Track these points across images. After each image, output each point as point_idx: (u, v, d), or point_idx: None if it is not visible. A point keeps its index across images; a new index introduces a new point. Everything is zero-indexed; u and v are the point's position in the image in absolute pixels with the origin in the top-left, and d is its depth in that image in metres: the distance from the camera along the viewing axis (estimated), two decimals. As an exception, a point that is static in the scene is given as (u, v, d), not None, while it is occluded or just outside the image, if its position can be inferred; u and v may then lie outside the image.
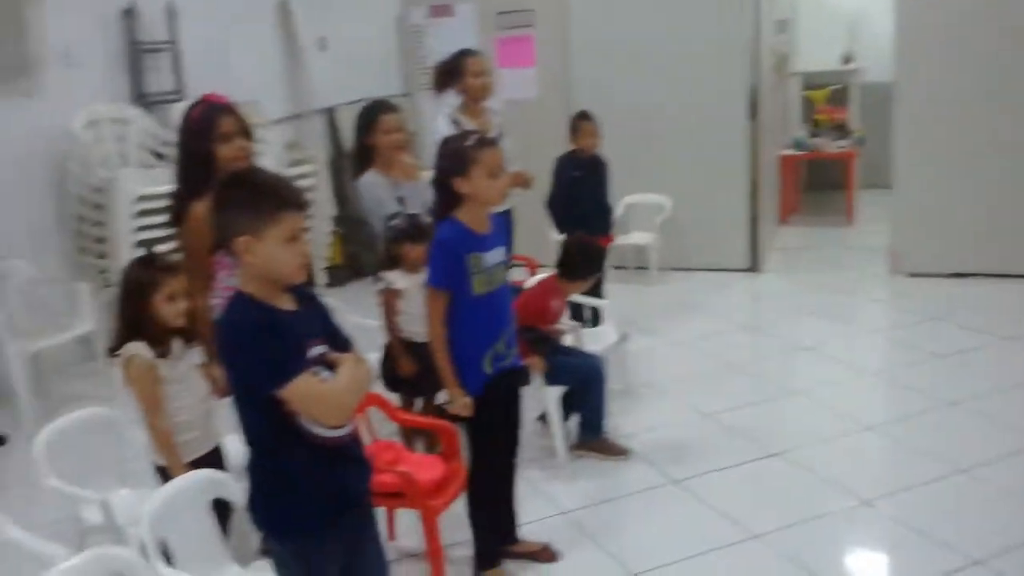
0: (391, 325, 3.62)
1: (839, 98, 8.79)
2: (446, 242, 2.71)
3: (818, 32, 8.94)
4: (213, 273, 2.90)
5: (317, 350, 1.95)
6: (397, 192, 3.76)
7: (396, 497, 2.87)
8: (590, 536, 3.26)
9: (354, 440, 2.07)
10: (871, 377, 4.70)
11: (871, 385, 4.62)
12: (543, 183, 4.68)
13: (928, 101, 6.04)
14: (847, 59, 8.96)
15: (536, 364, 3.58)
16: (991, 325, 5.20)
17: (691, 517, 3.36)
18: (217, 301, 2.87)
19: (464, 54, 4.23)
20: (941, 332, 5.19)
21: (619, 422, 4.12)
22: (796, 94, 9.08)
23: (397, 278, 3.57)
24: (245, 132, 2.94)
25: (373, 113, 3.81)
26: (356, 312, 3.89)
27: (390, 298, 3.60)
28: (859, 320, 5.63)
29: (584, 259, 3.83)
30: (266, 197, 1.88)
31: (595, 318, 4.65)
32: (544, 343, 3.68)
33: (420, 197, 3.81)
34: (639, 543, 3.20)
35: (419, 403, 3.78)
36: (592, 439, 3.85)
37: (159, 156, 5.50)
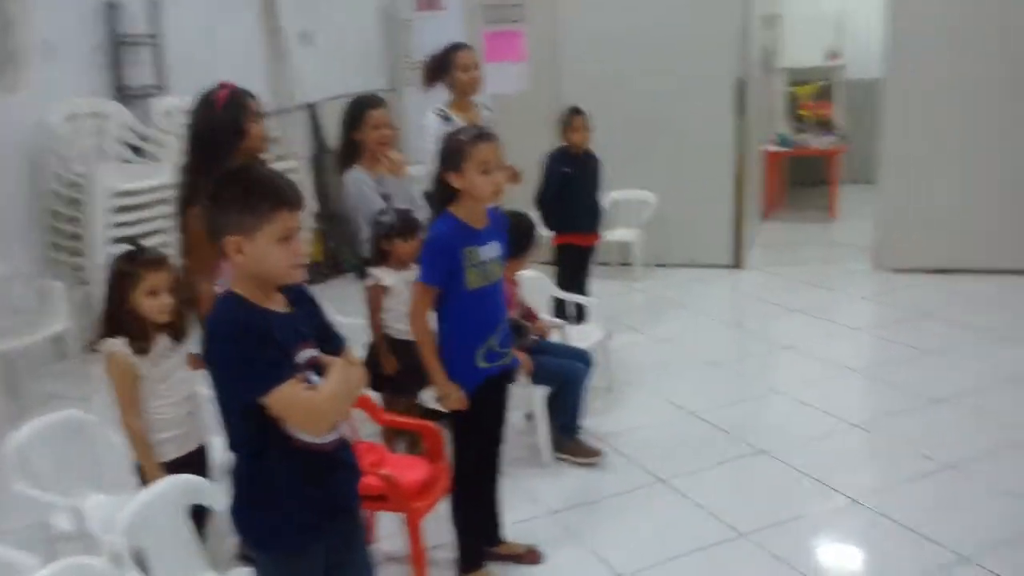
0: (375, 322, 3.57)
1: (824, 94, 8.80)
2: (439, 238, 2.69)
3: (804, 28, 8.95)
4: (218, 259, 2.85)
5: (306, 354, 1.90)
6: (382, 188, 3.71)
7: (379, 500, 2.81)
8: (576, 536, 3.23)
9: (344, 446, 2.01)
10: (855, 374, 4.69)
11: (855, 382, 4.61)
12: (532, 179, 4.63)
13: (915, 98, 6.06)
14: (832, 55, 8.97)
15: (523, 362, 3.54)
16: (975, 321, 5.22)
17: (677, 516, 3.34)
18: (220, 289, 2.82)
19: (454, 48, 4.17)
20: (925, 328, 5.19)
21: (603, 420, 4.09)
22: (781, 90, 9.09)
23: (385, 274, 3.53)
24: (262, 117, 3.03)
25: (361, 108, 3.76)
26: (336, 310, 3.82)
27: (376, 294, 3.55)
28: (842, 316, 5.62)
29: (517, 235, 3.74)
30: (259, 196, 1.83)
31: (580, 315, 4.62)
32: (518, 333, 3.62)
33: (406, 193, 3.78)
34: (625, 543, 3.17)
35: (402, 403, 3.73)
36: (566, 442, 3.80)
37: (137, 151, 5.42)
